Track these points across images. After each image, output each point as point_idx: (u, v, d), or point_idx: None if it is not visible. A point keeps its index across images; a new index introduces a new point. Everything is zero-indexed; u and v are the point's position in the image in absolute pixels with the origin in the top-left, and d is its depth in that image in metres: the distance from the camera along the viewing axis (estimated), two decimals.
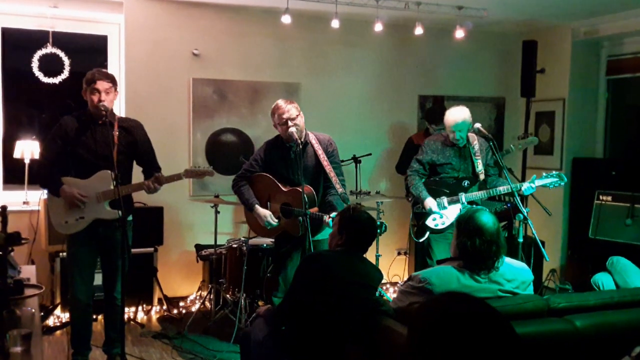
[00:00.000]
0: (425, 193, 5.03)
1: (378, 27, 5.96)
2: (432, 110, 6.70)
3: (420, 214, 5.13)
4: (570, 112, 7.00)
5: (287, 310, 3.36)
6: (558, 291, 6.51)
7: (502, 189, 4.89)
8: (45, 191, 4.39)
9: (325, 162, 4.52)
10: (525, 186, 4.79)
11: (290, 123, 4.40)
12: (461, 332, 1.44)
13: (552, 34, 7.05)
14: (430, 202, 4.99)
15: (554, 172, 4.86)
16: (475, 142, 5.13)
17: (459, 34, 6.18)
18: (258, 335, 3.42)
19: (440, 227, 5.03)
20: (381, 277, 3.53)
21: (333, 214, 4.14)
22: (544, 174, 4.83)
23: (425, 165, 5.16)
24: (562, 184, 4.84)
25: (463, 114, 4.96)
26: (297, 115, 4.45)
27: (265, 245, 5.53)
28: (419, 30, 6.07)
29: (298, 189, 4.34)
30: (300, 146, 4.43)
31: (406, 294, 3.21)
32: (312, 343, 3.19)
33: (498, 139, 7.35)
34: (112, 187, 4.12)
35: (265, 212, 4.58)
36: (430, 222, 5.07)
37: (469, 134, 5.10)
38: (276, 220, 4.55)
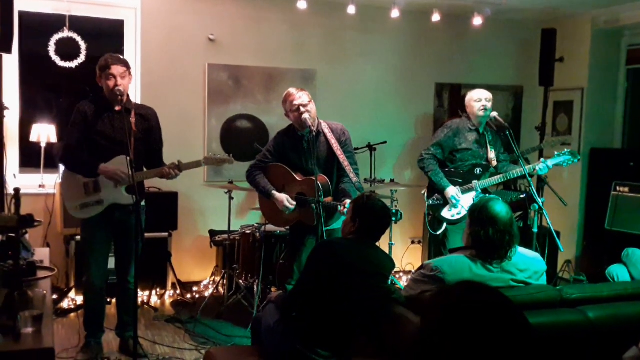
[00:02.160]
0: (446, 181, 5.01)
1: (395, 13, 5.92)
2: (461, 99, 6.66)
3: (436, 206, 5.10)
4: (589, 102, 6.92)
5: (299, 296, 3.36)
6: (572, 282, 6.47)
7: (516, 171, 4.86)
8: (60, 175, 4.41)
9: (338, 151, 4.51)
10: (539, 166, 4.76)
11: (302, 109, 4.39)
12: (474, 321, 1.43)
13: (571, 22, 6.96)
14: (451, 191, 4.97)
15: (566, 149, 4.82)
16: (489, 132, 5.12)
17: (477, 21, 6.12)
18: (269, 321, 3.42)
19: (456, 217, 5.00)
20: (393, 265, 3.52)
21: (347, 203, 4.13)
22: (556, 154, 4.79)
23: (446, 151, 5.11)
24: (576, 161, 4.80)
25: (487, 93, 5.10)
26: (309, 102, 4.44)
27: (278, 232, 5.53)
28: (436, 17, 6.02)
29: (312, 178, 4.33)
30: (314, 134, 4.42)
31: (418, 282, 3.20)
32: (323, 330, 3.19)
33: (515, 127, 7.31)
34: (129, 173, 4.14)
35: (282, 197, 4.57)
36: (446, 214, 5.05)
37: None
38: (294, 203, 4.54)
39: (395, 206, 5.46)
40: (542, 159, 4.83)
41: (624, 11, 6.50)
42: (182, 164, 4.26)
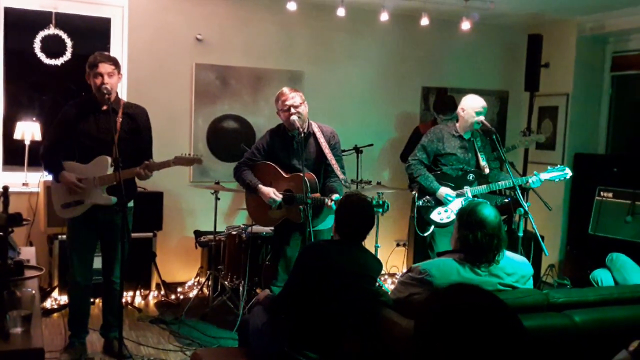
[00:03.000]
0: (437, 183, 5.00)
1: (384, 16, 5.93)
2: (441, 101, 6.67)
3: (425, 208, 5.10)
4: (574, 108, 6.97)
5: (287, 298, 3.35)
6: (556, 286, 6.51)
7: (507, 182, 4.87)
8: (46, 173, 4.39)
9: (327, 150, 4.53)
10: (532, 179, 4.79)
11: (292, 110, 4.41)
12: (468, 323, 1.44)
13: (557, 28, 7.01)
14: (444, 190, 4.96)
15: (559, 165, 4.87)
16: (478, 137, 5.13)
17: (465, 25, 6.13)
18: (257, 323, 3.41)
19: (445, 221, 5.00)
20: (380, 267, 3.52)
21: (336, 197, 4.14)
22: (549, 168, 4.82)
23: (430, 155, 5.11)
24: (567, 177, 4.84)
25: (484, 101, 5.03)
26: (301, 104, 4.45)
27: (264, 233, 5.52)
28: (424, 21, 6.04)
29: (300, 174, 4.33)
30: (303, 135, 4.42)
31: (406, 285, 3.20)
32: (310, 332, 3.19)
33: (500, 132, 7.33)
34: (108, 173, 4.13)
35: (268, 189, 4.57)
36: (435, 216, 5.05)
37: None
38: (280, 196, 4.54)
39: (381, 197, 5.43)
40: (535, 172, 4.85)
41: (609, 18, 6.57)
42: (153, 164, 4.20)
